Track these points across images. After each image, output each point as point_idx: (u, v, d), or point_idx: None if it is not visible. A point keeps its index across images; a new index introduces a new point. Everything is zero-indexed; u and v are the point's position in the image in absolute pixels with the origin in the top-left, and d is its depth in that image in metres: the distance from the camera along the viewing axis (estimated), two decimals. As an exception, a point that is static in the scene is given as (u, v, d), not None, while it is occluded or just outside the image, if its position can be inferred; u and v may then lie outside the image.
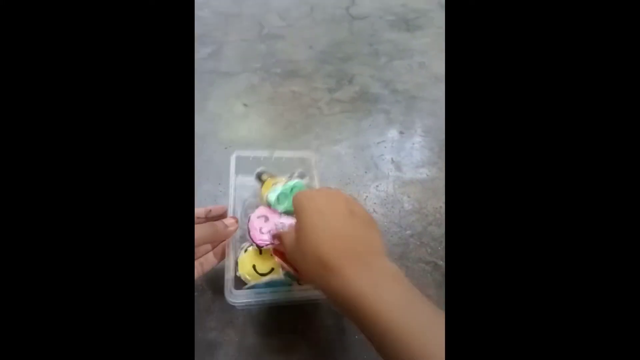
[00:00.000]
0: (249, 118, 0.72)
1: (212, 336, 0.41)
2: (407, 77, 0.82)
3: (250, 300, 0.38)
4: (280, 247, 0.36)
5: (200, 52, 0.90)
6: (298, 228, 0.27)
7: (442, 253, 0.49)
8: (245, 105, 0.75)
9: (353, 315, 0.24)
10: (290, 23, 1.02)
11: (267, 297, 0.38)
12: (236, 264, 0.41)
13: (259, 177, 0.48)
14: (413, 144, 0.66)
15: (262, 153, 0.49)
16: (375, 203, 0.56)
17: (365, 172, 0.60)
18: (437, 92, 0.77)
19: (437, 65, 0.85)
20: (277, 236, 0.33)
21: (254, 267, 0.41)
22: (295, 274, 0.37)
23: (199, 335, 0.41)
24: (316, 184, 0.48)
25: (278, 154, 0.50)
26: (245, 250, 0.42)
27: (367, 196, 0.57)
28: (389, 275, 0.25)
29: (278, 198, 0.45)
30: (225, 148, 0.65)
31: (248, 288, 0.39)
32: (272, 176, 0.49)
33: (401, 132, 0.68)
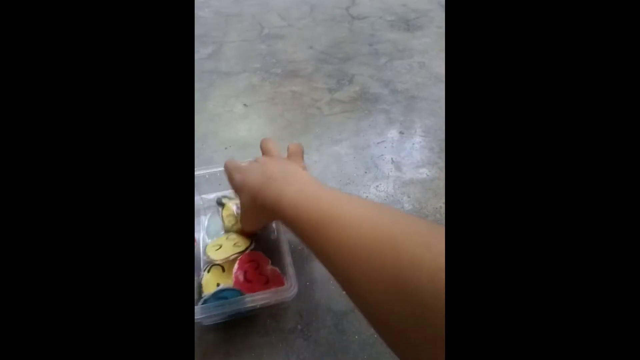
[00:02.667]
0: (249, 118, 0.72)
1: (211, 336, 0.41)
2: (407, 77, 0.82)
3: (207, 314, 0.38)
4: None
5: (200, 52, 0.90)
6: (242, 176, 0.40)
7: (442, 253, 0.49)
8: (245, 105, 0.75)
9: (281, 214, 0.32)
10: (290, 23, 1.02)
11: (226, 309, 0.38)
12: (200, 286, 0.42)
13: (219, 202, 0.53)
14: (413, 144, 0.66)
15: (219, 168, 0.52)
16: (375, 203, 0.56)
17: (365, 172, 0.60)
18: (437, 92, 0.77)
19: (437, 65, 0.85)
20: (228, 168, 0.42)
21: (217, 285, 0.41)
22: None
23: (198, 334, 0.41)
24: None
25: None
26: (208, 271, 0.43)
27: (367, 196, 0.57)
28: (309, 179, 0.35)
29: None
30: (225, 148, 0.65)
31: (203, 303, 0.39)
32: (231, 199, 0.53)
33: (401, 132, 0.68)
